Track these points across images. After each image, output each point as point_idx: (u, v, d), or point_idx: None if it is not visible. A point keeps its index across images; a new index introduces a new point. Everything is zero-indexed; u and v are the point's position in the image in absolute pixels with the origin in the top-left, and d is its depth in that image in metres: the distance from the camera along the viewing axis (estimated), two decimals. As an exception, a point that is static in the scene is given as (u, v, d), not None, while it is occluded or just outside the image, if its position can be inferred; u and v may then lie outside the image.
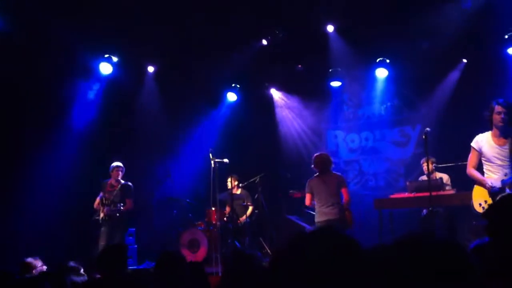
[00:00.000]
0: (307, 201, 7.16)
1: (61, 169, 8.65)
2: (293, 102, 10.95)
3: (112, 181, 7.89)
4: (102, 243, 7.62)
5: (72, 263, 4.41)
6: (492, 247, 1.48)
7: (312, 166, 7.16)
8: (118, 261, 3.98)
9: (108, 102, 9.72)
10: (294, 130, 10.95)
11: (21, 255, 5.03)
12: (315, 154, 7.31)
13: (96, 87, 9.68)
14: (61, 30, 8.04)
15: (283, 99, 11.10)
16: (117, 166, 7.89)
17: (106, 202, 7.62)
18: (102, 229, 7.70)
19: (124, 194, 7.77)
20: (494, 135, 5.38)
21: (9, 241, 7.80)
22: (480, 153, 5.45)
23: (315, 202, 7.02)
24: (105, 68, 9.45)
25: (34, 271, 4.61)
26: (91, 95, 9.67)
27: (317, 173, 7.11)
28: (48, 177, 8.47)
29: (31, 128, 8.57)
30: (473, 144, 5.51)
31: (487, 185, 5.30)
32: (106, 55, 9.40)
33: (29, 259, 4.75)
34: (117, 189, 7.78)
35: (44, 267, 4.76)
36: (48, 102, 8.77)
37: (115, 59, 9.50)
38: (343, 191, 7.07)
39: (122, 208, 7.58)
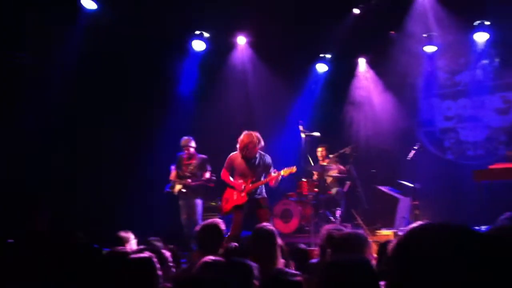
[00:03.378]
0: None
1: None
2: (382, 70, 10.61)
3: (186, 154, 7.97)
4: (184, 216, 7.83)
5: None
6: None
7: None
8: (216, 239, 4.22)
9: (201, 77, 10.07)
10: (381, 100, 10.62)
11: (112, 229, 5.07)
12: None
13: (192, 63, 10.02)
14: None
15: (369, 70, 10.82)
16: (189, 140, 7.96)
17: (185, 175, 7.84)
18: (180, 202, 7.91)
19: (202, 167, 7.91)
20: None
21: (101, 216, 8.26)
22: None
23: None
24: (198, 45, 9.74)
25: (127, 245, 4.76)
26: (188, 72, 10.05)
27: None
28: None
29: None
30: None
31: None
32: (198, 32, 9.67)
33: (122, 233, 4.92)
34: (195, 162, 7.90)
35: (135, 241, 4.92)
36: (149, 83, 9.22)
37: (206, 34, 9.75)
38: None
39: (203, 179, 7.77)
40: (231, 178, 6.90)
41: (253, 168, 6.74)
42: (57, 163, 8.30)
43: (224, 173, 6.95)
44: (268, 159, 6.85)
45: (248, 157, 6.71)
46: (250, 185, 6.71)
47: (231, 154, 6.92)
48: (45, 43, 8.03)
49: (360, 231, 3.52)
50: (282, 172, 6.68)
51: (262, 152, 6.84)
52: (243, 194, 6.73)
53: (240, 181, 6.78)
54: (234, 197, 6.79)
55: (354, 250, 3.09)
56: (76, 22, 8.30)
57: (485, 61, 9.82)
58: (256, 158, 6.75)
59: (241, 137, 6.70)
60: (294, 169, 6.75)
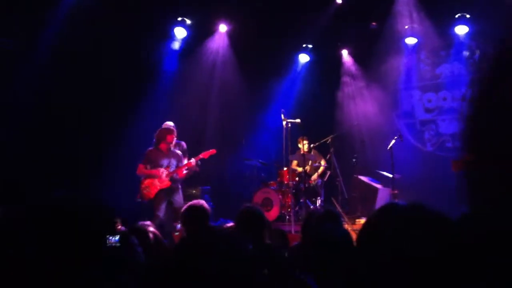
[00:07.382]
0: None
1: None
2: (364, 61, 10.64)
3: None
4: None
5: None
6: None
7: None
8: (201, 217, 4.20)
9: (182, 64, 9.96)
10: (364, 91, 10.65)
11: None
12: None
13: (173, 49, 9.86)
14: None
15: (353, 60, 10.84)
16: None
17: None
18: None
19: (183, 154, 7.74)
20: None
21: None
22: None
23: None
24: (180, 32, 9.64)
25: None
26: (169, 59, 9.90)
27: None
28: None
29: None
30: None
31: None
32: (180, 18, 9.56)
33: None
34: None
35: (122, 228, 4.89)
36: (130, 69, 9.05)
37: (188, 21, 9.65)
38: None
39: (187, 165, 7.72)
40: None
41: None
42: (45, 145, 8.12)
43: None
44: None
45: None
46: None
47: None
48: (30, 28, 7.83)
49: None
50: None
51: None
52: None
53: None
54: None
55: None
56: (58, 6, 8.14)
57: (465, 54, 9.92)
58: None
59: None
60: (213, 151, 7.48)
